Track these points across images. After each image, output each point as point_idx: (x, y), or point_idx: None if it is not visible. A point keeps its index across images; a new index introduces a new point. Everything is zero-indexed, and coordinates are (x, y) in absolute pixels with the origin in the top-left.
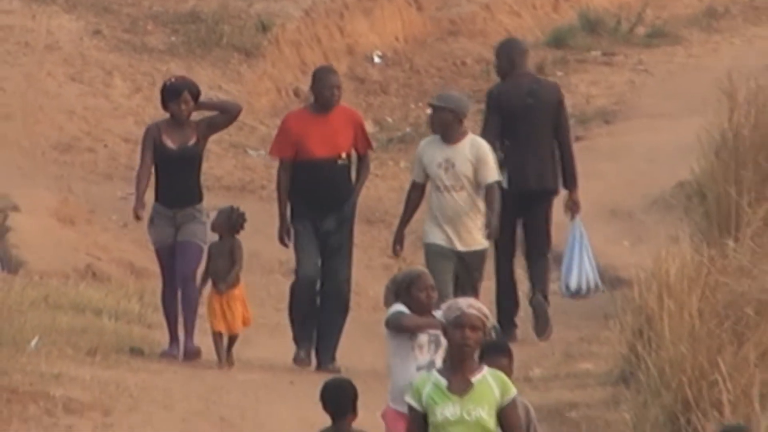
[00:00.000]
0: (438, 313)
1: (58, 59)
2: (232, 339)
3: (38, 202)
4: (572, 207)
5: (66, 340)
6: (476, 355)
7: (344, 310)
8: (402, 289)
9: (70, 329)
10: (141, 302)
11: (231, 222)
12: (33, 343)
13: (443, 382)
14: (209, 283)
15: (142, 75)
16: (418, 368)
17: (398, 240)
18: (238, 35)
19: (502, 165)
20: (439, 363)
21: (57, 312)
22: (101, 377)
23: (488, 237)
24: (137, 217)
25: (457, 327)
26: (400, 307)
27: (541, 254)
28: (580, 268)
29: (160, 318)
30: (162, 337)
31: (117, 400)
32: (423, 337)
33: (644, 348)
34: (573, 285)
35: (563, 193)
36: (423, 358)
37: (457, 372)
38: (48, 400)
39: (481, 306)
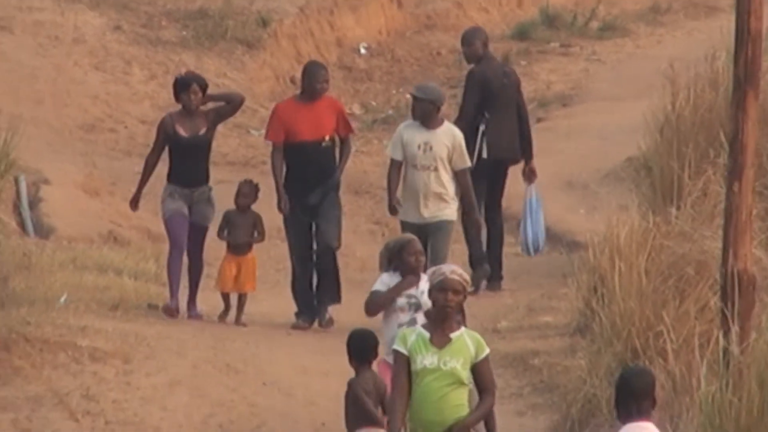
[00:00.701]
0: (424, 277)
1: (83, 51)
2: (243, 298)
3: (66, 176)
4: (529, 175)
5: (91, 296)
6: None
7: (334, 265)
8: (394, 254)
9: (94, 287)
10: (157, 264)
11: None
12: (62, 299)
13: (426, 335)
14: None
15: (157, 65)
16: (400, 325)
17: (392, 205)
18: (241, 29)
19: (483, 135)
20: (420, 320)
21: (83, 272)
22: (122, 329)
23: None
24: (133, 209)
25: (440, 290)
26: (376, 285)
27: (497, 219)
28: (533, 229)
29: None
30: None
31: (136, 349)
32: (401, 300)
33: (598, 303)
34: (531, 243)
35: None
36: (404, 316)
37: (438, 328)
38: (75, 350)
39: (462, 272)
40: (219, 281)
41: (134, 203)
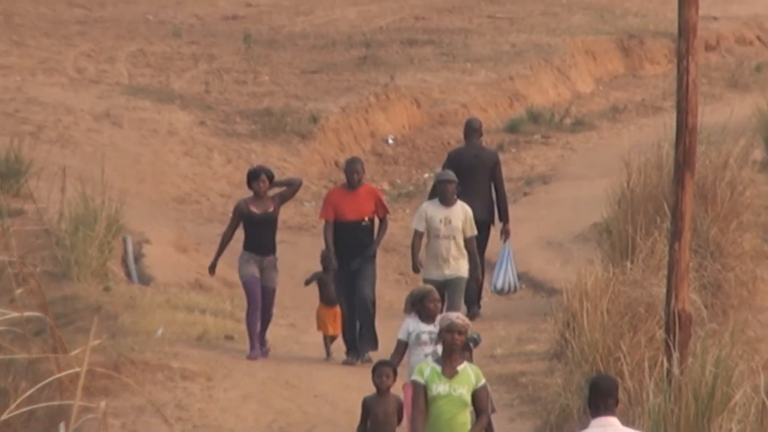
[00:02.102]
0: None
1: (175, 141)
2: (334, 338)
3: (162, 237)
4: (505, 234)
5: (181, 330)
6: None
7: (369, 314)
8: (417, 300)
9: (184, 322)
10: (232, 304)
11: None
12: (159, 331)
13: (438, 368)
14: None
15: (233, 151)
16: (425, 355)
17: (416, 265)
18: (297, 124)
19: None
20: (439, 351)
21: (175, 311)
22: (205, 355)
23: (474, 314)
24: (211, 274)
25: (448, 332)
26: (401, 333)
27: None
28: (504, 276)
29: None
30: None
31: (216, 370)
32: (425, 336)
33: (570, 335)
34: (499, 286)
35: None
36: (428, 348)
37: (447, 362)
38: (169, 370)
39: (465, 318)
40: (320, 326)
41: (212, 270)
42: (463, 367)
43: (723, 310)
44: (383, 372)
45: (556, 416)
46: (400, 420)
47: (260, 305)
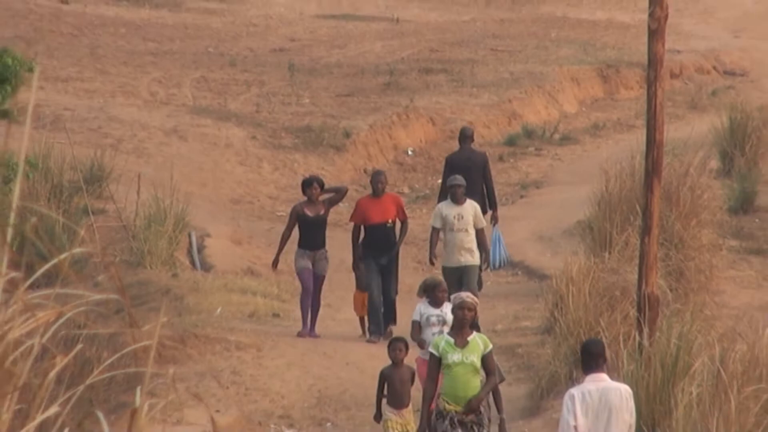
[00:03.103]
0: (447, 305)
1: (231, 152)
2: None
3: (221, 232)
4: (494, 219)
5: (236, 308)
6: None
7: (392, 300)
8: (429, 288)
9: (238, 302)
10: (278, 287)
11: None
12: (218, 310)
13: (451, 340)
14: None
15: (279, 161)
16: (433, 334)
17: (431, 257)
18: (332, 138)
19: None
20: (446, 330)
21: (231, 293)
22: (256, 329)
23: (485, 267)
24: (273, 269)
25: (460, 308)
26: (415, 315)
27: None
28: (498, 255)
29: (290, 297)
30: (291, 310)
31: (265, 342)
32: (433, 318)
33: (558, 313)
34: (496, 265)
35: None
36: (436, 328)
37: (458, 334)
38: (226, 343)
39: (474, 297)
40: (356, 308)
41: (275, 265)
42: (473, 337)
43: (685, 293)
44: (397, 347)
45: (546, 381)
46: (412, 383)
47: (312, 292)
